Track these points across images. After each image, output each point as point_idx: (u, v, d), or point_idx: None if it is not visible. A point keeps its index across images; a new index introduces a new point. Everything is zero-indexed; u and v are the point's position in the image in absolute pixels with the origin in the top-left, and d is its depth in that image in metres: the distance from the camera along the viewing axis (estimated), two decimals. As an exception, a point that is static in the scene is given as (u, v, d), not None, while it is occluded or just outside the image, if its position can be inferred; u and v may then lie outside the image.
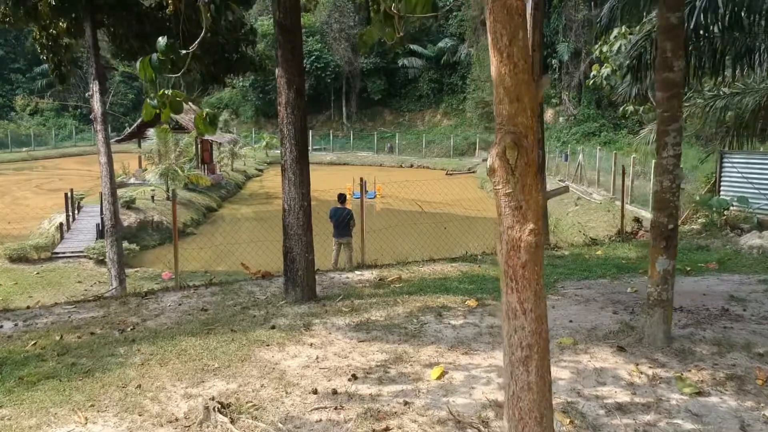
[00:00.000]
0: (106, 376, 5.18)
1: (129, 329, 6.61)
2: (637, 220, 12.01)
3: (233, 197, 29.49)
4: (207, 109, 4.55)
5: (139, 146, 26.25)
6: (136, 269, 13.54)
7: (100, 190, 26.98)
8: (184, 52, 4.53)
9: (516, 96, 2.66)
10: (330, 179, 36.97)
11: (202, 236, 21.48)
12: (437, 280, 8.43)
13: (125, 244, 14.61)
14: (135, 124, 26.78)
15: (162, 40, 3.63)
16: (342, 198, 13.66)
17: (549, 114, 46.81)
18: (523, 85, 2.64)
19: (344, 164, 43.80)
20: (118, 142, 28.35)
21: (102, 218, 15.40)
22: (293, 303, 7.34)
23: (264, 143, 43.99)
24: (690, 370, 5.04)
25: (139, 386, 4.94)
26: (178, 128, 27.13)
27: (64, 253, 15.20)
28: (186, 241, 20.68)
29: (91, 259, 14.43)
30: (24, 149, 49.81)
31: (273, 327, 6.45)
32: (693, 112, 14.34)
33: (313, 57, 49.39)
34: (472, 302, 7.16)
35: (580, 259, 9.58)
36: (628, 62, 16.04)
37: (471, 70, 39.62)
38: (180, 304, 7.55)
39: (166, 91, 4.47)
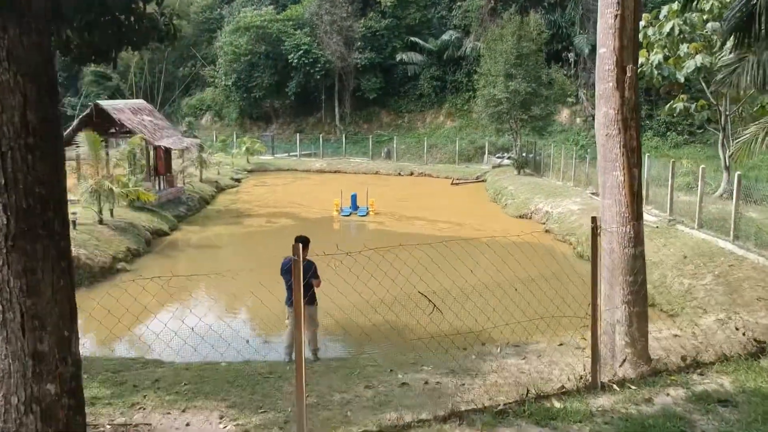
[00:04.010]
0: None
1: None
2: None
3: (195, 215, 24.31)
4: None
5: (76, 157, 21.10)
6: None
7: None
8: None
9: None
10: (316, 192, 31.69)
11: (138, 274, 16.32)
12: None
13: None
14: (69, 128, 21.79)
15: None
16: (302, 242, 8.56)
17: (565, 114, 41.81)
18: None
19: (335, 172, 38.67)
20: (51, 149, 23.22)
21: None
22: None
23: (244, 148, 38.89)
24: None
25: None
26: (124, 132, 22.04)
27: None
28: (114, 282, 15.53)
29: None
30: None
31: None
32: None
33: (302, 51, 44.30)
34: None
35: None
36: (734, 19, 10.74)
37: (480, 64, 34.46)
38: None
39: None
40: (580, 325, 6.11)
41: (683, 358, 5.74)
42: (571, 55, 41.44)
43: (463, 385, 6.99)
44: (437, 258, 6.10)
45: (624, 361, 5.50)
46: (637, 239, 6.85)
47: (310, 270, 8.14)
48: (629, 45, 6.86)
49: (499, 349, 8.23)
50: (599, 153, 7.15)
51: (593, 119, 36.72)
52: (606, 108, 6.97)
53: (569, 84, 37.87)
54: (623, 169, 6.83)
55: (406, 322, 8.18)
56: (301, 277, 4.13)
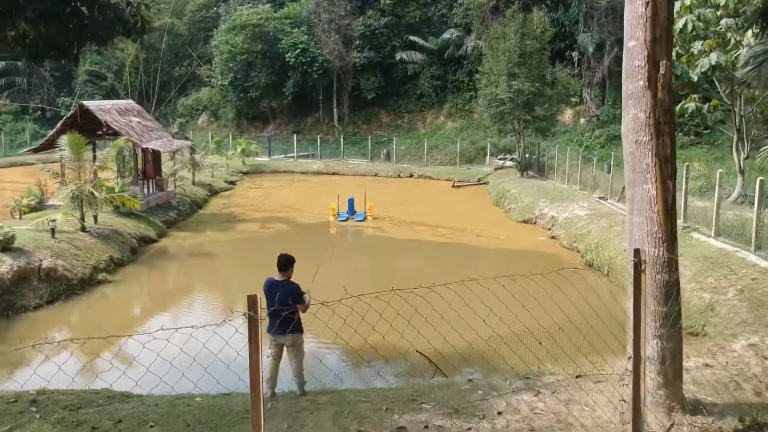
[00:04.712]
0: None
1: None
2: None
3: (186, 220, 23.35)
4: None
5: (60, 160, 20.18)
6: None
7: (10, 211, 20.96)
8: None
9: None
10: (312, 195, 30.70)
11: (122, 286, 15.42)
12: None
13: None
14: (53, 130, 20.85)
15: None
16: (285, 262, 7.59)
17: (568, 114, 40.80)
18: None
19: (333, 174, 37.70)
20: (34, 151, 22.37)
21: None
22: None
23: (239, 150, 37.95)
24: None
25: None
26: (111, 134, 21.10)
27: None
28: (93, 295, 14.57)
29: None
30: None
31: None
32: None
33: (299, 50, 43.30)
34: None
35: None
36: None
37: (481, 63, 33.50)
38: None
39: None
40: (598, 357, 5.17)
41: (741, 419, 4.79)
42: (575, 54, 40.45)
43: (469, 429, 6.09)
44: (439, 304, 5.12)
45: (671, 426, 4.54)
46: (671, 264, 5.90)
47: (293, 294, 7.21)
48: (662, 37, 5.89)
49: (508, 382, 7.31)
50: (626, 163, 6.20)
51: (597, 120, 35.86)
52: (635, 110, 6.01)
53: (573, 83, 36.93)
54: (655, 181, 5.87)
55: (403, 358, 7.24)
56: (259, 336, 3.19)
